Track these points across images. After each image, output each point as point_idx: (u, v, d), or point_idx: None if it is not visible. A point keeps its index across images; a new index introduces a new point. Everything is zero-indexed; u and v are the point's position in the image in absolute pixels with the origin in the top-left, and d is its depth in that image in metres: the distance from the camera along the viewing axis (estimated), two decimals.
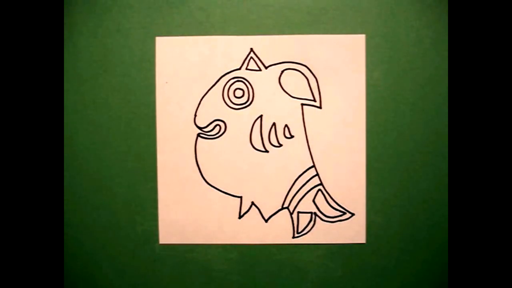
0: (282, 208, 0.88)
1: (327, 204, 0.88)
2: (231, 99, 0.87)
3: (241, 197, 0.88)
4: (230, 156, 0.88)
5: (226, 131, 0.88)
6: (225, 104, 0.87)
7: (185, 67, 0.87)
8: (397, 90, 0.87)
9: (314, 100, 0.87)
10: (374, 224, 0.88)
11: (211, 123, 0.88)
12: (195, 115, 0.88)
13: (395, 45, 0.87)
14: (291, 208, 0.88)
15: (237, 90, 0.87)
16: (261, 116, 0.88)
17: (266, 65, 0.87)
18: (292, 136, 0.88)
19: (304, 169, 0.88)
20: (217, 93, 0.87)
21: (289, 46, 0.87)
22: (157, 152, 0.88)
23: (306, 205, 0.88)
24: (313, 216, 0.88)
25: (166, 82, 0.87)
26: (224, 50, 0.87)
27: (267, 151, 0.88)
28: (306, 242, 0.88)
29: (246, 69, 0.87)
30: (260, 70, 0.87)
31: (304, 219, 0.88)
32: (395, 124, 0.87)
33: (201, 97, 0.87)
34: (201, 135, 0.88)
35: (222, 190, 0.88)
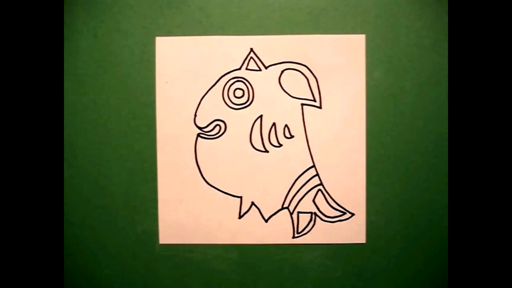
0: (282, 208, 0.88)
1: (327, 204, 0.88)
2: (231, 99, 0.87)
3: (241, 197, 0.88)
4: (230, 156, 0.88)
5: (226, 131, 0.88)
6: (225, 104, 0.87)
7: (185, 67, 0.87)
8: (397, 90, 0.87)
9: (314, 100, 0.87)
10: (374, 224, 0.88)
11: (211, 123, 0.88)
12: (195, 115, 0.88)
13: (395, 45, 0.87)
14: (291, 208, 0.88)
15: (237, 90, 0.87)
16: (261, 116, 0.88)
17: (266, 65, 0.87)
18: (292, 136, 0.88)
19: (304, 169, 0.88)
20: (217, 93, 0.87)
21: (289, 46, 0.87)
22: (157, 152, 0.88)
23: (306, 205, 0.88)
24: (313, 216, 0.88)
25: (166, 82, 0.87)
26: (224, 50, 0.87)
27: (267, 151, 0.88)
28: (306, 242, 0.88)
29: (246, 69, 0.87)
30: (260, 70, 0.87)
31: (304, 219, 0.88)
32: (395, 124, 0.87)
33: (201, 97, 0.87)
34: (201, 135, 0.88)
35: (222, 190, 0.88)
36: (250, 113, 0.88)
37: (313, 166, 0.88)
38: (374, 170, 0.87)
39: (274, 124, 0.88)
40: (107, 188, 0.88)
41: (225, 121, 0.87)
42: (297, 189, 0.88)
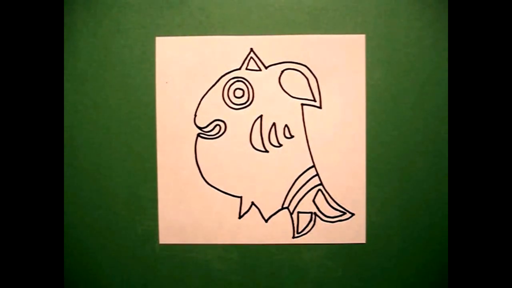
0: (282, 208, 0.88)
1: (327, 204, 0.88)
2: (231, 99, 0.87)
3: (241, 197, 0.88)
4: (230, 156, 0.88)
5: (226, 131, 0.88)
6: (225, 104, 0.87)
7: (185, 67, 0.87)
8: (397, 90, 0.87)
9: (314, 100, 0.87)
10: (374, 224, 0.88)
11: (211, 123, 0.88)
12: (195, 115, 0.88)
13: (395, 45, 0.87)
14: (291, 208, 0.88)
15: (237, 90, 0.87)
16: (261, 116, 0.88)
17: (266, 65, 0.87)
18: (292, 136, 0.88)
19: (304, 169, 0.88)
20: (217, 93, 0.87)
21: (289, 46, 0.87)
22: (157, 152, 0.88)
23: (306, 205, 0.88)
24: (313, 216, 0.88)
25: (166, 82, 0.87)
26: (224, 50, 0.87)
27: (267, 151, 0.88)
28: (306, 242, 0.88)
29: (246, 69, 0.87)
30: (260, 70, 0.87)
31: (304, 219, 0.88)
32: (395, 124, 0.87)
33: (201, 97, 0.87)
34: (201, 135, 0.88)
35: (222, 190, 0.88)
36: (250, 113, 0.88)
37: (313, 166, 0.88)
38: (374, 170, 0.87)
39: (274, 124, 0.88)
40: (107, 188, 0.88)
41: (225, 121, 0.87)
42: (297, 189, 0.88)
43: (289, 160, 0.88)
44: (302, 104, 0.87)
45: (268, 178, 0.88)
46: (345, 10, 0.86)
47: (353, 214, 0.88)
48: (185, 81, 0.87)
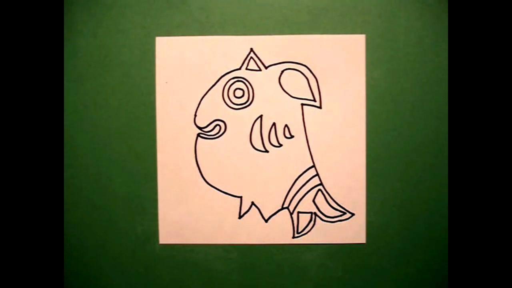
0: (282, 208, 0.88)
1: (327, 204, 0.88)
2: (231, 99, 0.87)
3: (241, 197, 0.88)
4: (230, 156, 0.88)
5: (226, 131, 0.88)
6: (225, 104, 0.87)
7: (185, 67, 0.87)
8: (397, 90, 0.87)
9: (314, 100, 0.87)
10: (374, 224, 0.88)
11: (211, 123, 0.88)
12: (195, 115, 0.88)
13: (395, 45, 0.87)
14: (291, 208, 0.88)
15: (237, 90, 0.87)
16: (261, 116, 0.88)
17: (266, 65, 0.87)
18: (292, 136, 0.88)
19: (304, 169, 0.88)
20: (217, 93, 0.87)
21: (289, 46, 0.87)
22: (157, 152, 0.88)
23: (306, 205, 0.88)
24: (313, 216, 0.88)
25: (166, 82, 0.87)
26: (224, 50, 0.87)
27: (267, 151, 0.88)
28: (306, 242, 0.88)
29: (246, 69, 0.87)
30: (260, 70, 0.87)
31: (304, 219, 0.88)
32: (395, 124, 0.87)
33: (201, 97, 0.87)
34: (201, 135, 0.88)
35: (222, 190, 0.88)
36: (250, 113, 0.88)
37: (313, 166, 0.88)
38: (374, 170, 0.87)
39: (274, 124, 0.88)
40: (107, 188, 0.88)
41: (225, 121, 0.87)
42: (297, 189, 0.88)
43: (289, 160, 0.88)
44: (302, 104, 0.87)
45: (268, 178, 0.88)
46: (345, 10, 0.86)
47: (353, 214, 0.88)
48: (185, 81, 0.87)
